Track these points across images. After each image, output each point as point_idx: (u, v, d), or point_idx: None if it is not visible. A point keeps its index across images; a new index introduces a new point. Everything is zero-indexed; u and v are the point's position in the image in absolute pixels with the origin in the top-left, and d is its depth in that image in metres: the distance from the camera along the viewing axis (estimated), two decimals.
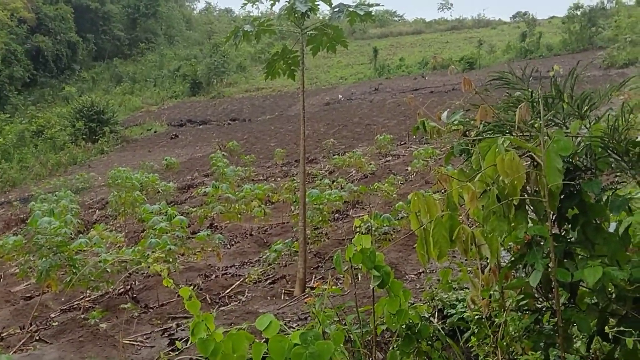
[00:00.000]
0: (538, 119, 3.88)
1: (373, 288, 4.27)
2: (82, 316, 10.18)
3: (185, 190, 26.24)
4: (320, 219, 14.67)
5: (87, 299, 11.49)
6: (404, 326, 4.34)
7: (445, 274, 5.08)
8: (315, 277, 11.10)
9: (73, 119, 48.73)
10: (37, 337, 9.40)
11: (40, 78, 68.37)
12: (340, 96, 52.66)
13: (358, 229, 5.42)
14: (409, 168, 22.92)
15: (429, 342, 4.50)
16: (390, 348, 4.47)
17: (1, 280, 14.94)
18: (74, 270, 11.46)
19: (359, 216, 15.79)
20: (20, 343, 9.10)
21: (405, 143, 31.19)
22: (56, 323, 10.26)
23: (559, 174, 3.55)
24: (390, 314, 4.21)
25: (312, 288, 9.83)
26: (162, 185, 23.65)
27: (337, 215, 16.94)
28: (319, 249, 13.09)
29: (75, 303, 11.53)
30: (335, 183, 20.23)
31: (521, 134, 3.99)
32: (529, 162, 3.85)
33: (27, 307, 11.45)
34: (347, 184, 19.92)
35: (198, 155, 36.47)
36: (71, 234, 13.00)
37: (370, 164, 25.03)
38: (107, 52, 76.41)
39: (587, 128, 3.97)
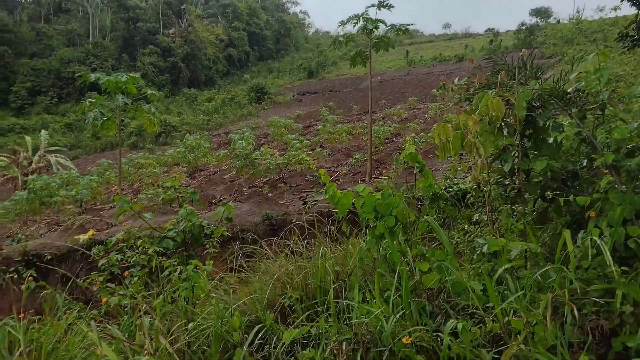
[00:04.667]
0: (512, 80, 3.65)
1: (416, 173, 4.21)
2: (259, 190, 10.55)
3: (307, 128, 26.26)
4: (379, 142, 14.51)
5: (261, 181, 11.89)
6: (431, 193, 4.30)
7: (453, 167, 4.95)
8: (376, 172, 11.07)
9: (249, 91, 49.66)
10: (237, 200, 9.82)
11: (231, 70, 69.41)
12: (379, 78, 49.05)
13: (407, 142, 5.29)
14: (426, 115, 22.16)
15: (445, 202, 4.45)
16: (424, 204, 4.44)
17: (218, 172, 15.59)
18: (255, 167, 11.80)
19: (403, 140, 15.58)
20: (229, 202, 9.55)
21: (423, 102, 30.01)
22: (246, 193, 10.69)
23: (523, 109, 3.36)
24: (424, 186, 4.16)
25: (376, 177, 9.82)
26: (295, 126, 23.82)
27: (387, 140, 16.66)
28: (378, 158, 12.99)
29: (255, 184, 11.96)
30: (386, 124, 19.85)
31: (502, 88, 3.76)
32: (506, 103, 3.63)
33: (231, 185, 11.94)
34: (392, 124, 19.48)
35: (313, 110, 36.14)
36: (252, 149, 13.33)
37: (405, 114, 24.31)
38: (265, 56, 75.99)
39: (540, 84, 3.72)
